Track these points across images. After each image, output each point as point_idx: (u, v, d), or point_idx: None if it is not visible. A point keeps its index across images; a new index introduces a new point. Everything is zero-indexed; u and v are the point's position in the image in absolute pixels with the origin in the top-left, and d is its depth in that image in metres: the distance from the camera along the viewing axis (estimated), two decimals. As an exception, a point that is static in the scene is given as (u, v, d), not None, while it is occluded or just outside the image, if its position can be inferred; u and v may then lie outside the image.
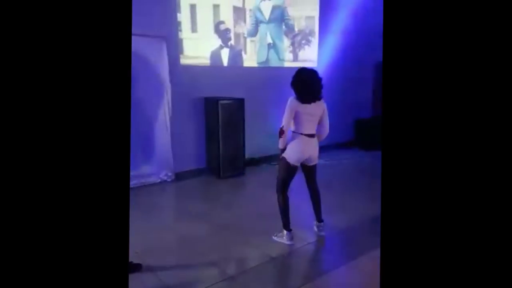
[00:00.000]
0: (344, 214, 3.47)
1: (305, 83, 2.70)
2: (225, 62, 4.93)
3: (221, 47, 4.86)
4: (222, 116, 4.50)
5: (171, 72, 4.33)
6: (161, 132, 4.39)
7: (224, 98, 4.58)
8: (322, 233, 3.07)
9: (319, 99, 2.78)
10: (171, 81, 4.33)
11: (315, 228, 3.10)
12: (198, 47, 4.69)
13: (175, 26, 4.42)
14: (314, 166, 2.96)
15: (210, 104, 4.63)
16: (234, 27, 4.94)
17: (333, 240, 3.05)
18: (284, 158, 2.84)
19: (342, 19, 5.98)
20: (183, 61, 4.52)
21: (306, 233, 3.07)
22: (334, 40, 5.98)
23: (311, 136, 2.83)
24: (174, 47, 4.41)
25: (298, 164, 2.87)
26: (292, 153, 2.81)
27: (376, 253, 2.95)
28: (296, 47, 5.69)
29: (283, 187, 2.88)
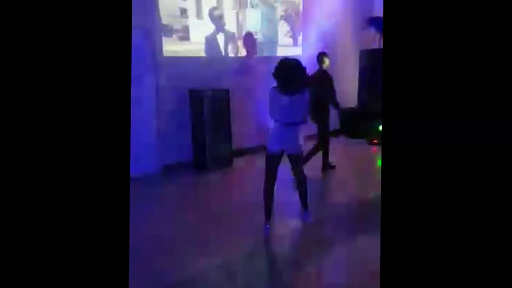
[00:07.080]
0: (331, 202, 3.48)
1: (287, 73, 2.67)
2: (222, 49, 4.94)
3: (216, 33, 4.83)
4: (208, 108, 4.44)
5: (153, 64, 4.22)
6: (146, 126, 4.30)
7: (209, 89, 4.51)
8: (307, 221, 3.12)
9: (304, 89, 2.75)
10: (152, 72, 4.22)
11: (301, 217, 3.16)
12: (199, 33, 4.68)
13: (157, 16, 4.29)
14: (296, 156, 2.93)
15: (195, 96, 4.55)
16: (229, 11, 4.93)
17: (319, 228, 3.06)
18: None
19: (327, 5, 5.93)
20: (167, 50, 4.40)
21: (293, 221, 3.10)
22: (319, 26, 5.92)
23: (289, 124, 2.79)
24: (158, 38, 4.29)
25: (276, 154, 2.85)
26: (268, 142, 2.87)
27: (359, 241, 2.98)
28: (296, 31, 5.62)
29: (266, 178, 2.89)
